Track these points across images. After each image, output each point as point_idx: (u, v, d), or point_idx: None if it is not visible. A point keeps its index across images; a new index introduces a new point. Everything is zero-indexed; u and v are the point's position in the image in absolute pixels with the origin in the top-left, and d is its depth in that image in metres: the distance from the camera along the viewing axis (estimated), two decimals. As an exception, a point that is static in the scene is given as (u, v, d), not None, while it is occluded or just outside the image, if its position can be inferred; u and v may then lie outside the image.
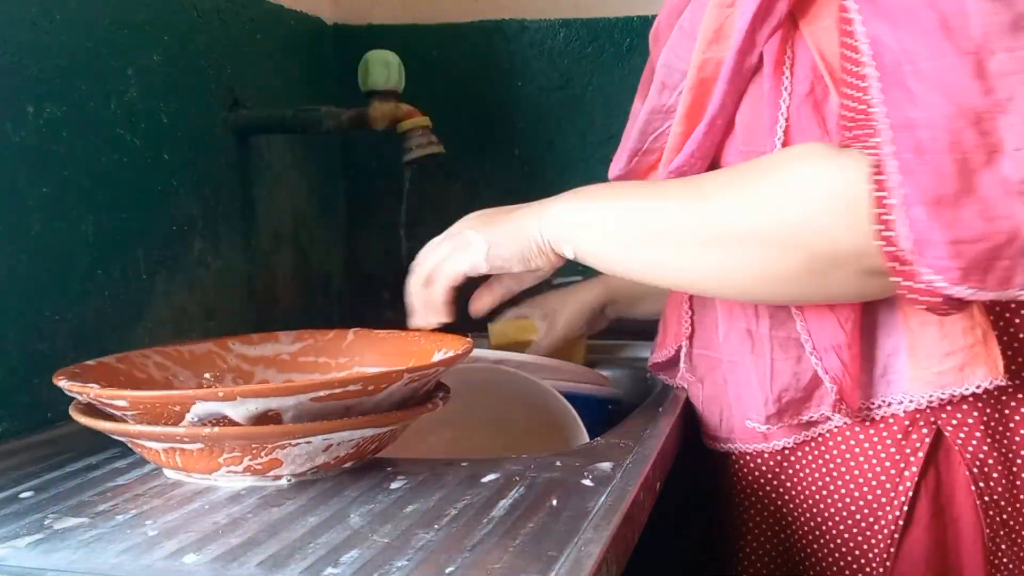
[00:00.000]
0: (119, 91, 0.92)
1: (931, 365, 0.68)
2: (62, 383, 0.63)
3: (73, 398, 0.65)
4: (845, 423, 0.73)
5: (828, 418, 0.73)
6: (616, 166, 0.88)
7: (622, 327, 1.15)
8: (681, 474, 0.80)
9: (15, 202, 0.80)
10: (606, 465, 0.65)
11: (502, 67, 1.38)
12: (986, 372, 0.67)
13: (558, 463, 0.66)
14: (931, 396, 0.69)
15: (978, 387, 0.67)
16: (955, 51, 0.55)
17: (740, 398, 0.77)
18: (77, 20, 0.87)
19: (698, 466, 0.86)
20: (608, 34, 1.36)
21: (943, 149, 0.55)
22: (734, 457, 0.81)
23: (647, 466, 0.65)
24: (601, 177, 1.37)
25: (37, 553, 0.52)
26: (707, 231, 0.65)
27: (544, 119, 1.38)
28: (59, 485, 0.64)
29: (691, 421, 0.87)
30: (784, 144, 0.67)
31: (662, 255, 0.68)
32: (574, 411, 0.83)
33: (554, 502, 0.58)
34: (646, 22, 1.34)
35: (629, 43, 1.35)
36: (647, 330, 1.07)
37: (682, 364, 0.87)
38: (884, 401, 0.71)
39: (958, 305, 0.59)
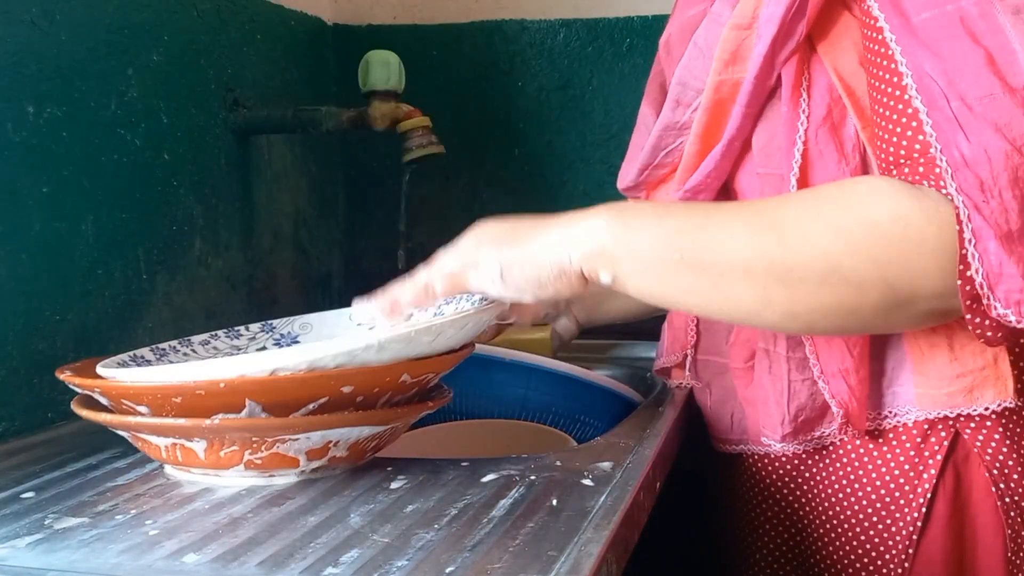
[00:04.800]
0: (119, 91, 0.92)
1: (941, 386, 0.69)
2: (65, 376, 0.63)
3: (75, 394, 0.65)
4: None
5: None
6: (625, 178, 0.87)
7: (622, 327, 1.14)
8: (681, 474, 0.80)
9: (15, 202, 0.80)
10: (606, 465, 0.65)
11: (502, 67, 1.38)
12: (995, 394, 0.68)
13: (558, 463, 0.66)
14: (939, 413, 0.69)
15: (986, 408, 0.68)
16: (1003, 87, 0.55)
17: (755, 409, 0.78)
18: (77, 20, 0.87)
19: (699, 466, 0.86)
20: (608, 34, 1.36)
21: (1005, 185, 0.55)
22: (747, 459, 0.82)
23: (647, 466, 0.65)
24: (600, 177, 1.39)
25: (37, 553, 0.52)
26: (784, 266, 0.59)
27: (544, 119, 1.38)
28: (59, 485, 0.64)
29: (691, 421, 0.87)
30: (802, 167, 0.67)
31: (725, 290, 0.61)
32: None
33: (554, 502, 0.58)
34: (646, 22, 1.34)
35: (629, 43, 1.35)
36: (646, 330, 1.07)
37: (688, 371, 0.88)
38: (891, 412, 0.71)
39: (1011, 335, 0.59)
